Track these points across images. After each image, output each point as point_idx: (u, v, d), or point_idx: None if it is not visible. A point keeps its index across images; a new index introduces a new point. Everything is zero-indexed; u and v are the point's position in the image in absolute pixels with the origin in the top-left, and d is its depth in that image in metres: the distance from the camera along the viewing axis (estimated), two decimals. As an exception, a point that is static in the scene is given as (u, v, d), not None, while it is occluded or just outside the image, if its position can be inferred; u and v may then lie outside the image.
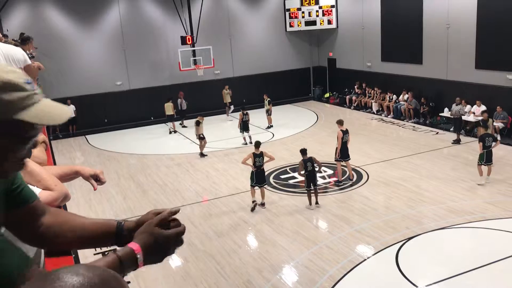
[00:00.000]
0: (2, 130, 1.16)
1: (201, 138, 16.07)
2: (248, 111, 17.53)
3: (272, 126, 19.83)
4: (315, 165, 11.16)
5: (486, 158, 11.69)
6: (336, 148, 12.71)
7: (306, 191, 11.40)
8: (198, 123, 16.04)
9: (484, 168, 11.89)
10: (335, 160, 12.87)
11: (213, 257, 9.20)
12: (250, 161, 11.21)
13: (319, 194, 11.46)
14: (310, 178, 11.18)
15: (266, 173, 11.98)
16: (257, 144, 11.57)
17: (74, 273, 0.83)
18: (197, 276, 8.53)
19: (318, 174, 13.15)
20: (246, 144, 17.23)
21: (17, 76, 1.18)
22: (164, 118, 21.22)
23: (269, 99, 19.96)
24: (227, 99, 22.38)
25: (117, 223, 1.51)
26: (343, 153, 12.57)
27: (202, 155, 16.23)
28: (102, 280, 0.85)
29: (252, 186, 11.38)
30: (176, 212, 1.42)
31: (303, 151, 11.24)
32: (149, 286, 8.24)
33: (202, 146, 16.21)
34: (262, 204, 11.36)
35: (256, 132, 19.37)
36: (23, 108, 1.17)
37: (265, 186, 11.68)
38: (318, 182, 11.77)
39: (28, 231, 1.46)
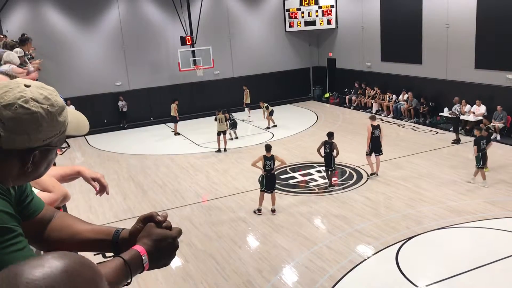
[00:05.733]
0: (55, 145, 1.27)
1: (219, 134, 16.57)
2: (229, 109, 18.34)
3: (270, 127, 19.74)
4: (333, 150, 11.95)
5: (482, 160, 11.70)
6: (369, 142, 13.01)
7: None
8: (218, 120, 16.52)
9: (482, 170, 11.88)
10: (366, 155, 13.02)
11: (213, 257, 9.20)
12: (260, 164, 10.91)
13: (335, 188, 12.16)
14: (325, 160, 12.21)
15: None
16: (268, 148, 11.04)
17: (38, 266, 0.82)
18: (197, 277, 8.53)
19: (318, 174, 13.40)
20: (230, 139, 17.96)
21: (57, 94, 1.27)
22: (163, 118, 21.30)
23: (266, 104, 19.96)
24: (248, 100, 21.82)
25: (114, 231, 1.50)
26: (374, 148, 12.87)
27: (224, 149, 16.68)
28: (68, 271, 0.83)
29: (262, 191, 11.06)
30: (165, 217, 1.44)
31: (329, 134, 12.12)
32: (149, 287, 8.23)
33: (219, 142, 16.66)
34: (272, 211, 10.99)
35: (256, 132, 19.38)
36: (67, 123, 1.29)
37: (274, 191, 11.16)
38: (329, 176, 12.36)
39: (34, 238, 1.46)
